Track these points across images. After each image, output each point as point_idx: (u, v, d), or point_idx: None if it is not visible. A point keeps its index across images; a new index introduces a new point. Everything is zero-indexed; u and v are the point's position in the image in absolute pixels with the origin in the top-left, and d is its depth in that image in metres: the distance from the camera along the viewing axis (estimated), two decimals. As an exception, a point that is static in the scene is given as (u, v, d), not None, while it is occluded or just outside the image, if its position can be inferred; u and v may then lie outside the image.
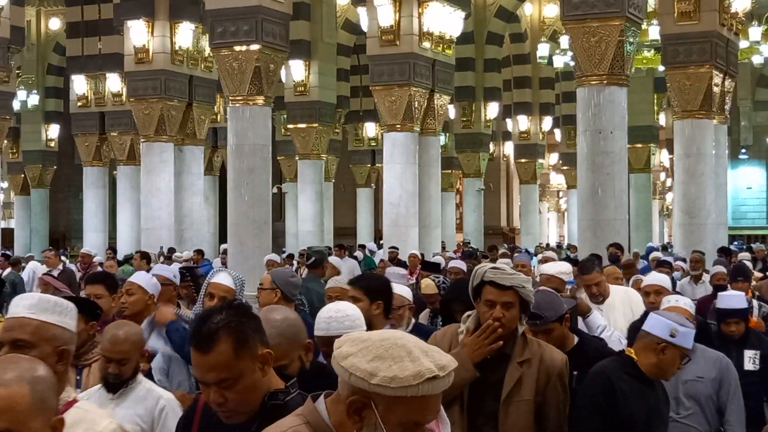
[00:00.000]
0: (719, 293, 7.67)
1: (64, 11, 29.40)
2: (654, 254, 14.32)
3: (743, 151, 43.97)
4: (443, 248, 21.14)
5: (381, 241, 21.86)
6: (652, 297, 6.85)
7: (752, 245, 24.84)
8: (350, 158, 33.31)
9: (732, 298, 7.07)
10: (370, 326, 4.97)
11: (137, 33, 22.60)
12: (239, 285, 5.65)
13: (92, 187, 27.04)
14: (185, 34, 22.78)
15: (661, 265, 11.83)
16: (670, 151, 27.92)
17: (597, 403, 4.72)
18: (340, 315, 4.18)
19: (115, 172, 26.46)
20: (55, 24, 35.53)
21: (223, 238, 22.41)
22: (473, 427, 4.23)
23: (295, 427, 2.50)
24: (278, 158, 28.11)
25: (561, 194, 49.34)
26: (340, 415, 2.43)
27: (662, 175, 45.58)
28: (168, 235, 21.83)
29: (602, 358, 4.97)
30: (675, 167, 19.16)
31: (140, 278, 6.74)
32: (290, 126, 27.30)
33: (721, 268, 11.27)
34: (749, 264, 14.41)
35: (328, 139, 27.56)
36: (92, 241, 25.46)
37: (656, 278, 7.27)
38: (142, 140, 22.99)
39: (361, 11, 20.65)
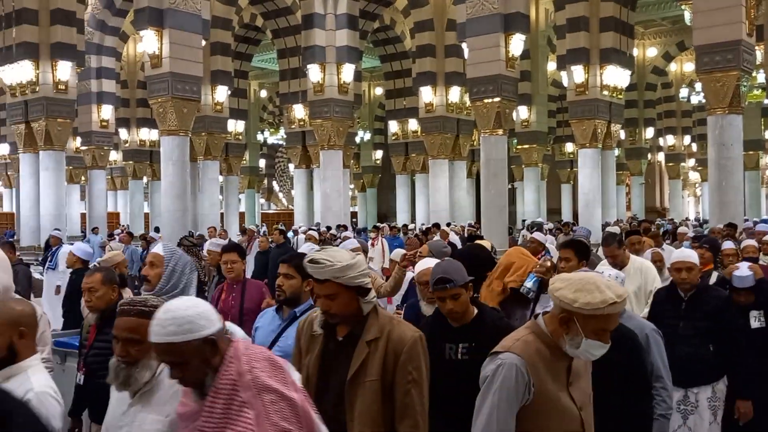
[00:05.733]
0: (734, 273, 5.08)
1: (384, 83, 30.20)
2: (681, 228, 11.61)
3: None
4: (618, 221, 20.20)
5: (573, 221, 21.27)
6: (684, 273, 4.50)
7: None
8: (556, 165, 32.51)
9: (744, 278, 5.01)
10: (298, 302, 3.53)
11: (426, 94, 22.94)
12: (169, 253, 3.57)
13: (401, 187, 27.63)
14: (455, 93, 22.92)
15: (695, 240, 8.85)
16: (773, 156, 25.55)
17: None
18: (167, 317, 2.11)
19: (413, 177, 26.97)
20: (379, 91, 36.64)
21: (478, 216, 22.34)
22: (321, 409, 2.35)
23: (525, 335, 2.47)
24: (511, 166, 27.76)
25: (697, 185, 46.01)
26: (553, 326, 2.42)
27: (767, 172, 41.67)
28: (445, 215, 22.02)
29: (498, 332, 2.99)
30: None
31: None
32: (518, 147, 26.94)
33: (752, 242, 7.84)
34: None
35: (542, 154, 26.99)
36: (402, 219, 26.05)
37: (684, 254, 4.67)
38: (430, 158, 23.31)
39: (563, 74, 20.04)
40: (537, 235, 7.69)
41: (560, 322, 2.38)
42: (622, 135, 28.63)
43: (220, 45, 21.29)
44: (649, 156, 35.04)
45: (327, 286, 2.66)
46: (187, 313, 2.13)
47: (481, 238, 7.95)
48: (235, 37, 24.23)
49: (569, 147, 31.19)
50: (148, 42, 16.05)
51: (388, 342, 2.69)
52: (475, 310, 3.27)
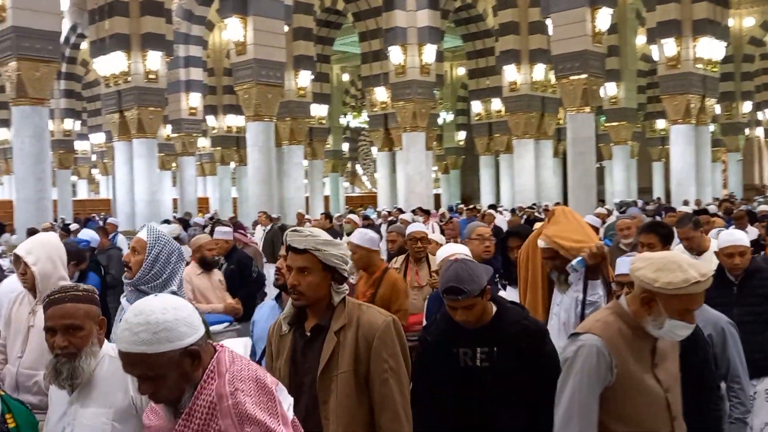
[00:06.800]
0: None
1: (466, 63, 29.88)
2: (761, 208, 10.34)
3: None
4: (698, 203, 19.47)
5: (660, 198, 20.57)
6: (737, 259, 4.03)
7: None
8: (647, 143, 31.53)
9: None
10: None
11: (510, 73, 22.66)
12: (153, 239, 3.12)
13: (485, 168, 27.42)
14: (539, 70, 22.53)
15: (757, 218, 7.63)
16: None
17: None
18: (138, 322, 1.73)
19: (498, 158, 26.69)
20: (461, 71, 36.26)
21: (565, 197, 21.92)
22: (298, 409, 2.19)
23: (606, 316, 2.45)
24: (599, 145, 27.08)
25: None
26: (635, 306, 2.38)
27: None
28: (530, 196, 21.75)
29: (523, 332, 2.73)
30: None
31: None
32: (606, 124, 26.28)
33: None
34: None
35: (632, 132, 26.30)
36: (486, 200, 25.84)
37: (736, 238, 4.08)
38: (514, 138, 23.01)
39: (653, 47, 19.34)
40: (589, 219, 7.24)
41: (642, 303, 2.34)
42: (718, 110, 27.53)
43: (302, 30, 21.56)
44: (747, 131, 33.59)
45: (304, 258, 2.45)
46: (164, 318, 1.74)
47: (541, 220, 7.70)
48: (317, 21, 24.48)
49: (660, 123, 30.22)
50: (232, 30, 16.42)
51: (357, 329, 2.46)
52: (494, 308, 2.80)
